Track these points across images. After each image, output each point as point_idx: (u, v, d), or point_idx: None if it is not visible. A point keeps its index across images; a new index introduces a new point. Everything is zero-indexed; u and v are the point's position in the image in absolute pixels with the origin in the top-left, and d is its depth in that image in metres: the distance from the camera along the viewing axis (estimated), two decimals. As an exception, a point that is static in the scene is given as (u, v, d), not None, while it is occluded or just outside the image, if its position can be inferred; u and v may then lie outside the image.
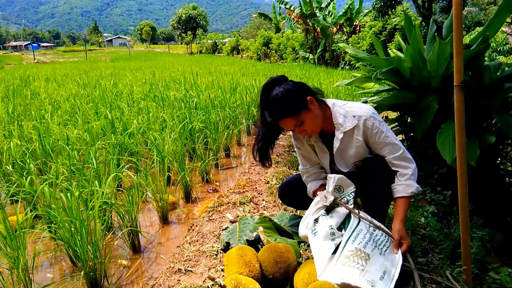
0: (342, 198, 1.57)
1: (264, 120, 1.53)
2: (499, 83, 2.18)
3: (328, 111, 1.57)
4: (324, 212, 1.55)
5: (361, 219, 1.50)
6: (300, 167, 1.81)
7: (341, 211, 1.53)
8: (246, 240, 1.70)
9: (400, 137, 2.99)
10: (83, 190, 2.00)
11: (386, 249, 1.42)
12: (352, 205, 1.55)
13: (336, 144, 1.58)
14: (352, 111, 1.54)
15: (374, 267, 1.33)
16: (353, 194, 1.57)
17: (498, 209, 2.31)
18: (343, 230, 1.48)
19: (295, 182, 1.88)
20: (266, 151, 1.65)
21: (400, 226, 1.47)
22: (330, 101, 1.60)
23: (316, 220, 1.54)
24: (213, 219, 2.18)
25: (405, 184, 1.51)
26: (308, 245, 1.71)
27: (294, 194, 1.90)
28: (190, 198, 2.75)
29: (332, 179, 1.55)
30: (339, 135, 1.56)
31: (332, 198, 1.53)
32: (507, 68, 2.27)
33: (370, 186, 1.58)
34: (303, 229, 1.59)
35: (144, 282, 1.76)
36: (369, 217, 1.51)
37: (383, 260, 1.37)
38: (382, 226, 1.50)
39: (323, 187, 1.71)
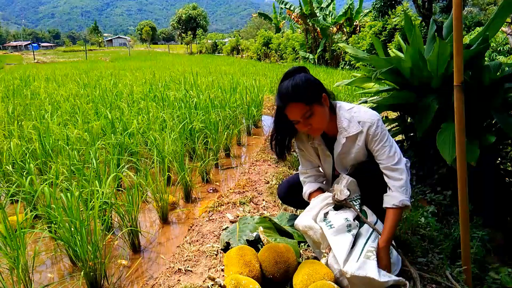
0: (350, 201, 1.56)
1: (277, 108, 1.52)
2: (499, 83, 2.18)
3: (334, 113, 1.57)
4: (333, 209, 1.55)
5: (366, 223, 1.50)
6: (300, 167, 1.80)
7: (349, 211, 1.53)
8: (246, 240, 1.70)
9: (400, 137, 2.98)
10: (83, 190, 2.00)
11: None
12: (359, 210, 1.55)
13: (338, 148, 1.58)
14: (358, 116, 1.53)
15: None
16: (358, 200, 1.56)
17: (498, 209, 2.31)
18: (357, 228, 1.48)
19: (296, 182, 1.87)
20: (282, 145, 1.63)
21: (383, 245, 1.43)
22: (337, 104, 1.59)
23: (325, 215, 1.53)
24: (213, 219, 2.18)
25: (389, 195, 1.48)
26: (308, 245, 1.71)
27: (295, 194, 1.90)
28: (190, 198, 2.75)
29: (346, 180, 1.55)
30: (341, 139, 1.55)
31: (347, 193, 1.52)
32: (507, 68, 2.27)
33: (370, 189, 1.58)
34: (306, 219, 1.55)
35: (144, 282, 1.76)
36: (372, 224, 1.52)
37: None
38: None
39: (320, 190, 1.70)
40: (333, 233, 1.44)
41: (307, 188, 1.73)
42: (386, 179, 1.51)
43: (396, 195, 1.46)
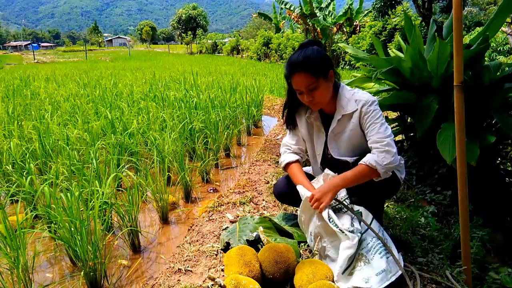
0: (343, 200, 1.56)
1: (285, 77, 1.57)
2: (499, 83, 2.18)
3: (335, 93, 1.61)
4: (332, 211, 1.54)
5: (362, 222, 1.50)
6: (285, 140, 1.81)
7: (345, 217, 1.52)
8: (246, 240, 1.70)
9: (400, 137, 2.99)
10: (83, 190, 2.00)
11: (386, 254, 1.43)
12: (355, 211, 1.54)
13: (334, 124, 1.61)
14: (356, 96, 1.58)
15: (372, 267, 1.37)
16: (347, 200, 1.56)
17: (498, 209, 2.31)
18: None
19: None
20: (291, 114, 1.73)
21: (327, 184, 1.49)
22: (340, 84, 1.64)
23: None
24: (213, 219, 2.18)
25: (368, 155, 1.49)
26: (308, 245, 1.71)
27: (291, 192, 1.88)
28: (190, 198, 2.75)
29: (331, 175, 1.55)
30: (338, 116, 1.60)
31: (344, 193, 1.53)
32: (507, 68, 2.27)
33: (365, 185, 1.57)
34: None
35: (144, 282, 1.76)
36: (367, 222, 1.51)
37: (383, 263, 1.38)
38: (379, 234, 1.49)
39: (298, 163, 1.73)
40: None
41: (285, 158, 1.75)
42: (371, 147, 1.52)
43: (372, 156, 1.47)
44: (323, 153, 1.72)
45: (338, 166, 1.62)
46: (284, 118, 1.77)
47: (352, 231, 1.41)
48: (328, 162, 1.70)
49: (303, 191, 1.58)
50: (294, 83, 1.52)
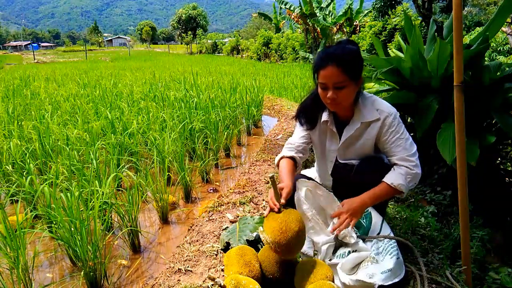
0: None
1: (314, 67, 1.47)
2: (499, 83, 2.18)
3: (355, 99, 1.53)
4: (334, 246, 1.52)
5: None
6: (289, 140, 1.72)
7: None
8: (246, 240, 1.70)
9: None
10: (83, 190, 2.00)
11: (397, 255, 1.43)
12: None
13: (350, 131, 1.54)
14: (377, 104, 1.53)
15: (379, 266, 1.37)
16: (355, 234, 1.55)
17: (498, 209, 2.31)
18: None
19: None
20: (314, 112, 1.62)
21: (358, 201, 1.43)
22: (362, 92, 1.57)
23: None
24: (213, 219, 2.18)
25: (395, 173, 1.46)
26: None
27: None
28: (190, 198, 2.75)
29: (337, 202, 1.53)
30: (356, 124, 1.53)
31: (355, 235, 1.46)
32: (507, 68, 2.27)
33: (368, 184, 1.57)
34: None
35: (144, 282, 1.76)
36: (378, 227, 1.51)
37: (391, 263, 1.39)
38: (391, 235, 1.49)
39: (292, 160, 1.63)
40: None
41: (282, 153, 1.67)
42: (396, 164, 1.49)
43: (402, 178, 1.45)
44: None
45: (342, 169, 1.62)
46: (302, 116, 1.64)
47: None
48: (337, 165, 1.67)
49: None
50: (323, 75, 1.41)
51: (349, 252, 1.43)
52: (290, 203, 1.77)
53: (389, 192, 1.47)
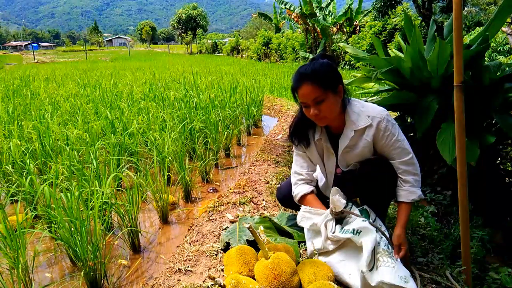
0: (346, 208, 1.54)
1: (291, 89, 1.51)
2: (499, 83, 2.18)
3: (343, 110, 1.55)
4: (335, 224, 1.51)
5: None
6: (295, 169, 1.73)
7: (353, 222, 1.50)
8: (246, 240, 1.70)
9: (400, 137, 2.98)
10: (83, 190, 2.00)
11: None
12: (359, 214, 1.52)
13: (345, 142, 1.54)
14: (367, 110, 1.52)
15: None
16: (351, 205, 1.55)
17: (498, 209, 2.31)
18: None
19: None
20: (303, 131, 1.65)
21: (400, 232, 1.47)
22: (349, 100, 1.57)
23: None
24: (213, 219, 2.18)
25: (408, 190, 1.51)
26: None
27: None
28: (190, 198, 2.75)
29: (336, 190, 1.53)
30: (349, 133, 1.52)
31: (344, 202, 1.49)
32: (507, 68, 2.27)
33: (370, 186, 1.57)
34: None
35: (144, 282, 1.76)
36: (380, 228, 1.50)
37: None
38: (386, 233, 1.48)
39: (313, 194, 1.67)
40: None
41: (300, 190, 1.69)
42: (401, 173, 1.52)
43: (414, 190, 1.51)
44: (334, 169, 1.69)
45: (345, 177, 1.63)
46: (294, 137, 1.67)
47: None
48: (336, 175, 1.69)
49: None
50: (301, 95, 1.45)
51: (356, 232, 1.41)
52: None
53: (411, 207, 1.54)
